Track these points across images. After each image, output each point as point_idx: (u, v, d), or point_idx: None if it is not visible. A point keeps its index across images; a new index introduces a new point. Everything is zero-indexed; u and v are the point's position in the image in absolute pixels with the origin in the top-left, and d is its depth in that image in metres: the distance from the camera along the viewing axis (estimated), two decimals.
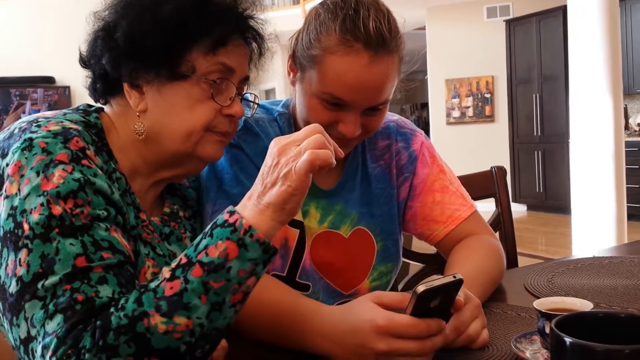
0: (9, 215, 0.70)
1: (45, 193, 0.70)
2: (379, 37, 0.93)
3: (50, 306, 0.65)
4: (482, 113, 7.57)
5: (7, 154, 0.73)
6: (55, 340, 0.64)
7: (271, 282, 0.94)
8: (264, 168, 0.75)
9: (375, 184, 1.16)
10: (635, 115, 6.83)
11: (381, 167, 1.17)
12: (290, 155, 0.72)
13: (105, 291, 0.68)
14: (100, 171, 0.76)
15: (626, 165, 4.05)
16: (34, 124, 0.76)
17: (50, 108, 7.58)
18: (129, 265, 0.73)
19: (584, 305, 0.80)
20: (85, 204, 0.71)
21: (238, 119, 0.90)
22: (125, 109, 0.86)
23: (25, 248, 0.68)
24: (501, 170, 1.57)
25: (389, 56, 0.95)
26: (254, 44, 0.93)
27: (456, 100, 7.66)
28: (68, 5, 6.50)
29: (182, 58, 0.83)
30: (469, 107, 7.61)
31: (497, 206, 1.55)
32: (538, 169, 7.07)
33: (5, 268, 0.68)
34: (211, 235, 0.70)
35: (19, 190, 0.70)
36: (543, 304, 0.80)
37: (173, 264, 0.70)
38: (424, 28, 7.74)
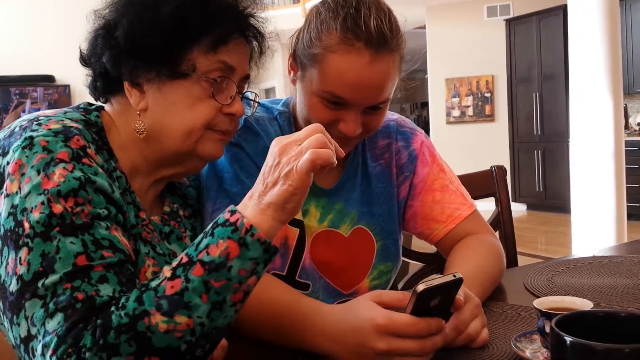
0: (9, 213, 0.70)
1: (46, 191, 0.70)
2: (380, 36, 0.93)
3: (51, 305, 0.65)
4: (482, 112, 7.57)
5: (7, 153, 0.73)
6: (55, 339, 0.64)
7: (271, 281, 0.94)
8: (265, 168, 0.75)
9: (375, 183, 1.16)
10: (635, 115, 6.83)
11: (381, 166, 1.17)
12: (291, 155, 0.72)
13: (106, 290, 0.68)
14: (100, 170, 0.76)
15: (626, 164, 4.05)
16: (35, 123, 0.76)
17: (50, 107, 7.58)
18: (130, 264, 0.73)
19: (584, 304, 0.80)
20: (85, 203, 0.71)
21: (238, 117, 0.90)
22: (126, 108, 0.86)
23: (26, 247, 0.68)
24: (501, 169, 1.57)
25: (389, 55, 0.95)
26: (255, 43, 0.93)
27: (456, 100, 7.66)
28: (68, 4, 6.50)
29: (183, 57, 0.83)
30: (469, 106, 7.61)
31: (497, 205, 1.56)
32: (538, 168, 7.07)
33: (6, 267, 0.68)
34: (212, 234, 0.70)
35: (19, 188, 0.70)
36: (543, 303, 0.80)
37: (174, 263, 0.70)
38: (424, 27, 7.74)
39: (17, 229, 0.69)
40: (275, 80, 8.96)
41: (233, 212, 0.72)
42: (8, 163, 0.72)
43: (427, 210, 1.17)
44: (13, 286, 0.67)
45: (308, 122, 0.92)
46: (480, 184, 1.53)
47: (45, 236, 0.68)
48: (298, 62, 1.02)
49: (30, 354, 0.66)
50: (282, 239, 1.07)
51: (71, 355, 0.63)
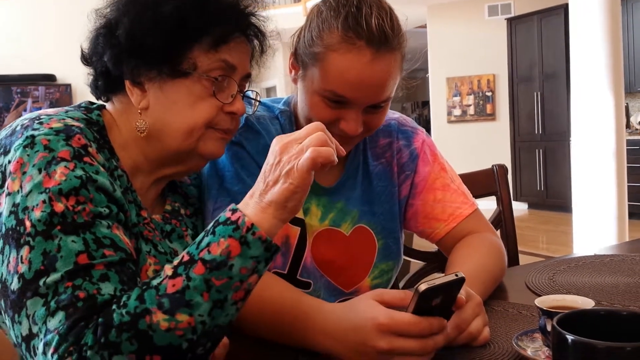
0: (10, 212, 0.70)
1: (47, 190, 0.70)
2: (382, 35, 0.93)
3: (52, 303, 0.65)
4: (484, 111, 7.56)
5: (9, 151, 0.73)
6: (57, 337, 0.64)
7: (272, 279, 0.94)
8: (266, 166, 0.75)
9: (376, 181, 1.16)
10: (637, 114, 6.82)
11: (382, 165, 1.17)
12: (292, 153, 0.72)
13: (107, 288, 0.68)
14: (102, 168, 0.76)
15: (627, 163, 4.05)
16: (36, 121, 0.76)
17: (51, 106, 7.59)
18: (131, 262, 0.73)
19: (586, 303, 0.80)
20: (87, 201, 0.71)
21: (239, 116, 0.90)
22: (127, 107, 0.86)
23: (27, 245, 0.68)
24: (502, 168, 1.57)
25: (391, 54, 0.95)
26: (256, 42, 0.93)
27: (457, 99, 7.66)
28: (69, 3, 6.49)
29: (184, 55, 0.83)
30: (470, 105, 7.60)
31: (498, 204, 1.55)
32: (539, 167, 7.07)
33: (7, 265, 0.68)
34: (213, 232, 0.70)
35: (20, 187, 0.70)
36: (544, 301, 0.80)
37: (175, 262, 0.70)
38: (425, 26, 7.74)
39: (18, 228, 0.69)
40: (276, 79, 8.96)
41: (234, 211, 0.72)
42: (9, 162, 0.72)
43: (428, 209, 1.17)
44: (14, 285, 0.67)
45: (309, 121, 0.92)
46: (481, 182, 1.53)
47: (47, 235, 0.68)
48: (299, 61, 1.02)
49: (32, 353, 0.66)
50: (283, 238, 1.07)
51: (72, 354, 0.63)
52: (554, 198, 6.90)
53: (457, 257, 1.08)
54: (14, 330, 0.68)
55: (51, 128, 0.74)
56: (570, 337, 0.54)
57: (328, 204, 1.11)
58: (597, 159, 3.90)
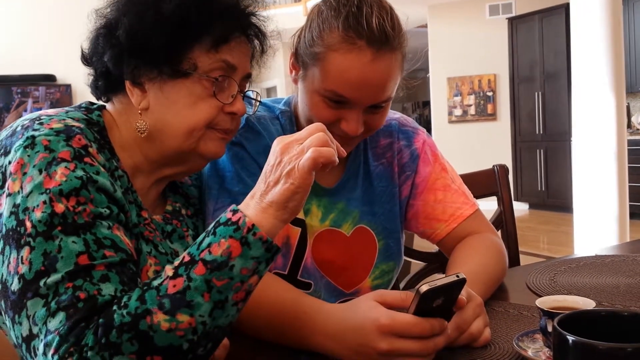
0: (11, 212, 0.70)
1: (48, 191, 0.70)
2: (382, 34, 0.93)
3: (53, 304, 0.65)
4: (484, 111, 7.56)
5: (9, 152, 0.73)
6: (57, 338, 0.64)
7: (273, 280, 0.94)
8: (266, 167, 0.75)
9: (377, 182, 1.16)
10: (638, 114, 6.81)
11: (383, 165, 1.17)
12: (293, 154, 0.72)
13: (108, 289, 0.68)
14: (102, 169, 0.76)
15: (628, 163, 4.04)
16: (37, 122, 0.76)
17: (52, 106, 7.59)
18: (131, 263, 0.73)
19: (587, 303, 0.80)
20: (87, 202, 0.71)
21: (240, 116, 0.90)
22: (127, 107, 0.86)
23: (28, 246, 0.68)
24: (503, 168, 1.57)
25: (391, 53, 0.95)
26: (256, 42, 0.93)
27: (458, 99, 7.65)
28: (69, 3, 6.50)
29: (184, 56, 0.83)
30: (471, 105, 7.60)
31: (499, 204, 1.55)
32: (540, 168, 7.06)
33: (8, 266, 0.68)
34: (214, 233, 0.70)
35: (21, 187, 0.70)
36: (545, 302, 0.80)
37: (176, 262, 0.70)
38: (425, 26, 7.73)
39: (19, 228, 0.69)
40: (276, 79, 8.97)
41: (235, 212, 0.72)
42: (10, 162, 0.72)
43: (429, 209, 1.16)
44: (15, 285, 0.67)
45: (310, 122, 0.92)
46: (482, 183, 1.53)
47: (47, 235, 0.68)
48: (300, 61, 1.02)
49: (32, 353, 0.66)
50: (284, 238, 1.07)
51: (73, 354, 0.63)
52: (555, 198, 6.89)
53: (458, 258, 1.08)
54: (14, 331, 0.68)
55: (52, 128, 0.74)
56: (571, 338, 0.54)
57: (329, 204, 1.11)
58: (598, 159, 3.90)
